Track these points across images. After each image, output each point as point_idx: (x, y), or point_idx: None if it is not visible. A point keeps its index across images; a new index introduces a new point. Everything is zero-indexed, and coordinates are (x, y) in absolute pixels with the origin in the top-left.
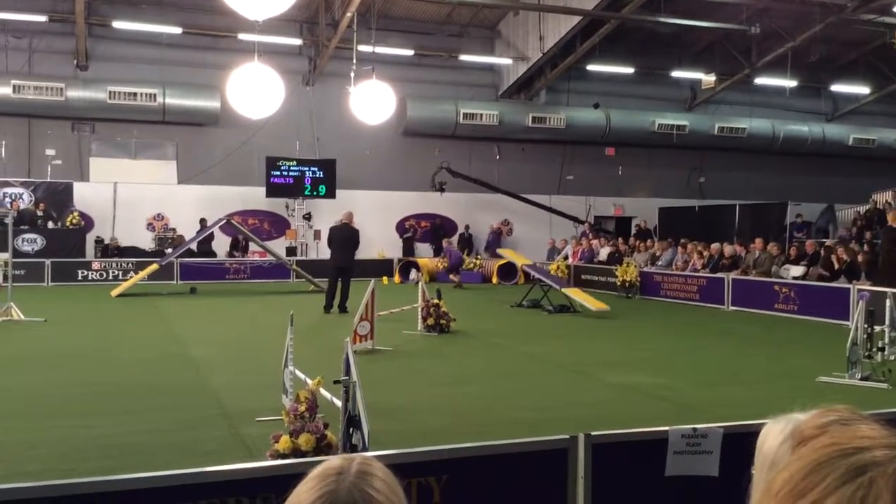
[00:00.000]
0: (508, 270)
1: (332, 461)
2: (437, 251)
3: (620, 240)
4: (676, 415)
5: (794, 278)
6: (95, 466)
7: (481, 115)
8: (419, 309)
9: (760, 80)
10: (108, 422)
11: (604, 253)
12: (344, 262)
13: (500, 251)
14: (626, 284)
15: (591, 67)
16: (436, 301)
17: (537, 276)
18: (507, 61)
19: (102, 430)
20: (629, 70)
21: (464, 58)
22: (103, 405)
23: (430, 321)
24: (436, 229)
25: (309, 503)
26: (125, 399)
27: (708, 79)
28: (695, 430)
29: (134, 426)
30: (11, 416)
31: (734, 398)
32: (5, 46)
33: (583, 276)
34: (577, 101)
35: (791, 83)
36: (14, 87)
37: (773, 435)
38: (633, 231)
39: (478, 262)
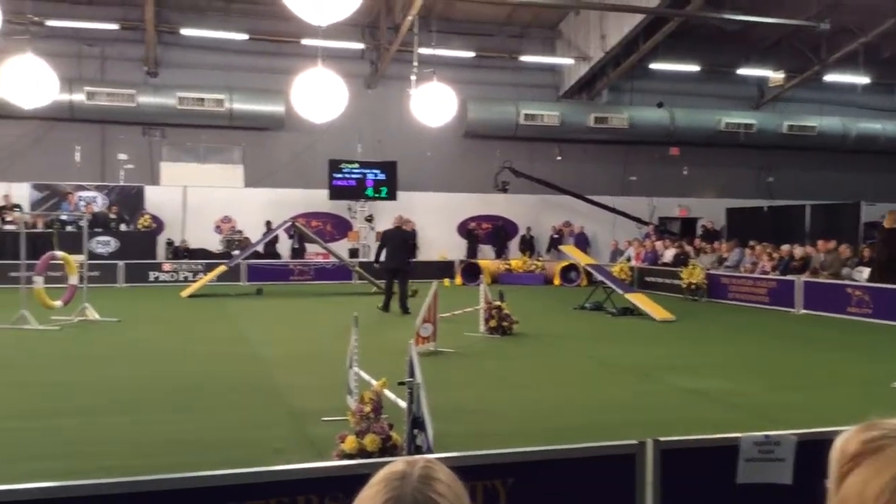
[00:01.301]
0: (571, 272)
1: (396, 465)
2: (500, 253)
3: (685, 241)
4: (746, 421)
5: (868, 281)
6: (168, 462)
7: (542, 115)
8: (481, 311)
9: (831, 77)
10: (179, 418)
11: (668, 255)
12: (398, 263)
13: (562, 248)
14: (693, 287)
15: (654, 66)
16: (498, 303)
17: (600, 277)
18: (568, 61)
19: (174, 426)
20: (694, 68)
21: (524, 59)
22: (175, 402)
23: (493, 323)
24: (497, 231)
25: (383, 502)
26: (196, 397)
27: (776, 76)
28: (767, 437)
29: (203, 424)
30: (87, 412)
31: (806, 404)
32: (79, 54)
33: (646, 279)
34: (641, 100)
35: (863, 80)
36: (88, 93)
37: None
38: (699, 232)
39: (539, 263)
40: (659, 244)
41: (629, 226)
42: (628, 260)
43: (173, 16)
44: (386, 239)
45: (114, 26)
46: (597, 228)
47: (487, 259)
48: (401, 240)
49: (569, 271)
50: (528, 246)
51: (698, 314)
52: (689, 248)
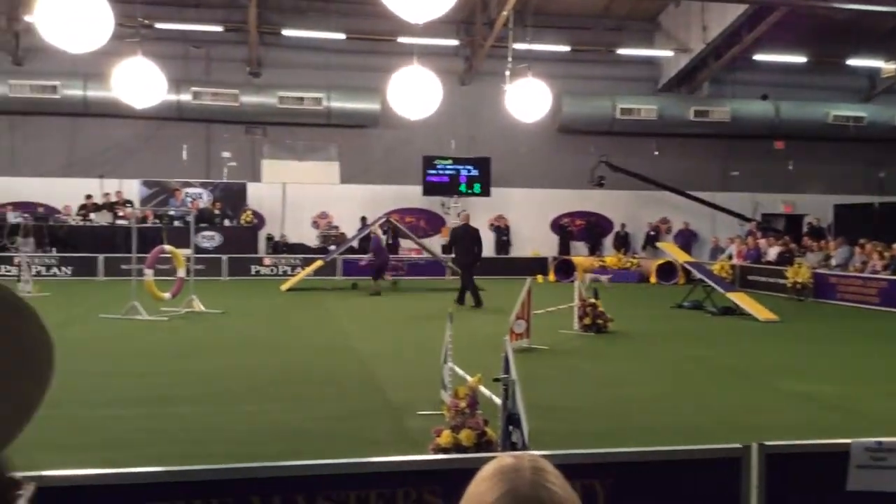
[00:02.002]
0: (668, 270)
1: (503, 459)
2: (594, 250)
3: (790, 239)
4: (855, 426)
5: None
6: (273, 450)
7: (639, 109)
8: (575, 308)
9: None
10: (282, 408)
11: (772, 253)
12: (469, 259)
13: (659, 245)
14: (798, 286)
15: (758, 57)
16: (592, 300)
17: (700, 275)
18: (667, 53)
19: (277, 415)
20: (800, 59)
21: (622, 52)
22: (277, 392)
23: (587, 321)
24: (591, 227)
25: (494, 499)
26: (297, 387)
27: (889, 67)
28: (880, 443)
29: (305, 413)
30: (197, 401)
31: None
32: (185, 56)
33: (748, 277)
34: (743, 92)
35: None
36: (194, 93)
37: None
38: (805, 229)
39: (634, 261)
40: (762, 241)
41: (730, 222)
42: (729, 258)
43: (275, 17)
44: (457, 237)
45: (218, 28)
46: (696, 225)
47: (581, 256)
48: (471, 237)
49: (666, 269)
50: (622, 242)
51: (804, 315)
52: (794, 246)
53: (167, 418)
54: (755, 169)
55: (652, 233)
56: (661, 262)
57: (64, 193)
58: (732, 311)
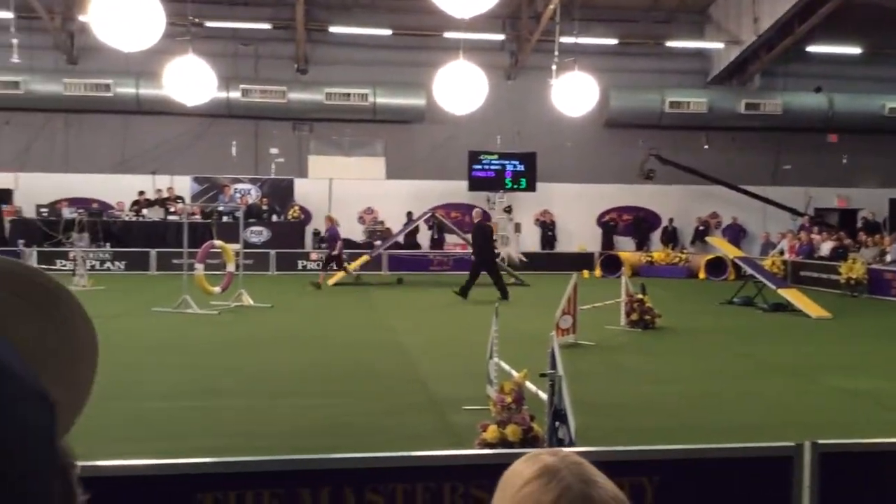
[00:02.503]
0: (717, 265)
1: (542, 458)
2: (641, 245)
3: (844, 234)
4: None
5: None
6: (318, 444)
7: (689, 102)
8: (622, 304)
9: None
10: (327, 402)
11: (825, 248)
12: (481, 256)
13: (709, 240)
14: (852, 282)
15: (811, 49)
16: (640, 296)
17: (750, 271)
18: (717, 45)
19: (323, 410)
20: (855, 50)
21: (671, 44)
22: (323, 386)
23: (634, 316)
24: (638, 222)
25: (550, 502)
26: (343, 382)
27: None
28: None
29: (351, 408)
30: (245, 394)
31: None
32: (235, 54)
33: (801, 273)
34: (796, 84)
35: None
36: (243, 91)
37: None
38: (860, 224)
39: (683, 256)
40: (815, 236)
41: (782, 217)
42: (781, 253)
43: (322, 14)
44: (473, 235)
45: (267, 26)
46: (746, 220)
47: (626, 251)
48: (482, 235)
49: (715, 264)
50: (670, 238)
51: (858, 311)
52: (848, 241)
53: (216, 411)
54: (808, 162)
55: (701, 227)
56: (710, 257)
57: (117, 189)
58: (784, 307)
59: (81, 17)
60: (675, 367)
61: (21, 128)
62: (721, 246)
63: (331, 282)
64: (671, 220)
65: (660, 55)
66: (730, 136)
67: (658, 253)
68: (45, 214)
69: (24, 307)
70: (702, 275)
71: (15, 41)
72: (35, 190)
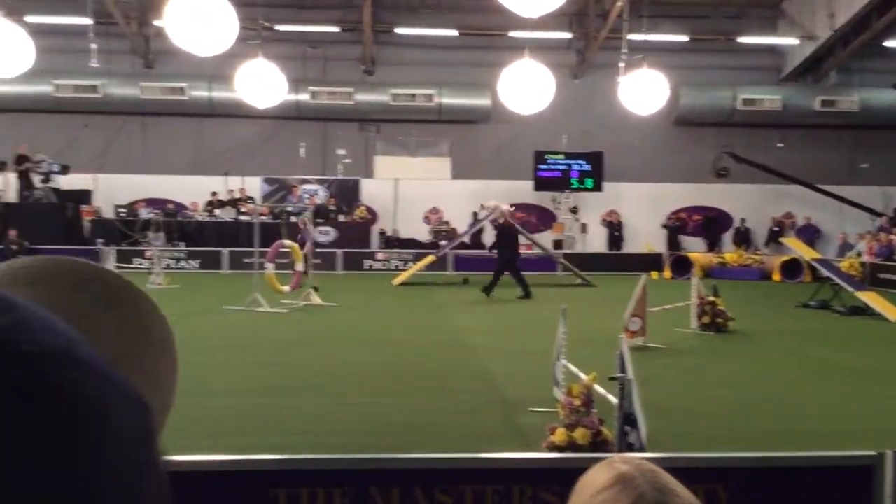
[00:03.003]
0: (792, 267)
1: (616, 465)
2: (712, 246)
3: None
4: None
5: None
6: (385, 443)
7: (762, 100)
8: (693, 306)
9: None
10: (394, 401)
11: None
12: (504, 254)
13: (784, 241)
14: None
15: (888, 44)
16: (712, 298)
17: (827, 273)
18: (791, 41)
19: (391, 408)
20: None
21: (743, 40)
22: (390, 386)
23: (706, 319)
24: (709, 222)
25: None
26: (409, 381)
27: None
28: None
29: (417, 407)
30: (314, 392)
31: None
32: (304, 56)
33: (880, 276)
34: (874, 81)
35: None
36: (312, 93)
37: None
38: None
39: (757, 257)
40: (895, 238)
41: (859, 217)
42: (858, 255)
43: (388, 15)
44: (504, 233)
45: (334, 28)
46: (822, 220)
47: (695, 252)
48: (510, 235)
49: (791, 266)
50: (743, 238)
51: None
52: None
53: (285, 408)
54: (887, 161)
55: (775, 228)
56: (785, 258)
57: (191, 190)
58: (862, 311)
59: (157, 23)
60: (749, 371)
61: (99, 130)
62: (797, 247)
63: (396, 282)
64: (743, 221)
65: (731, 51)
66: (805, 133)
67: (730, 254)
68: (123, 214)
69: (101, 310)
70: (776, 277)
71: (94, 46)
72: (113, 191)
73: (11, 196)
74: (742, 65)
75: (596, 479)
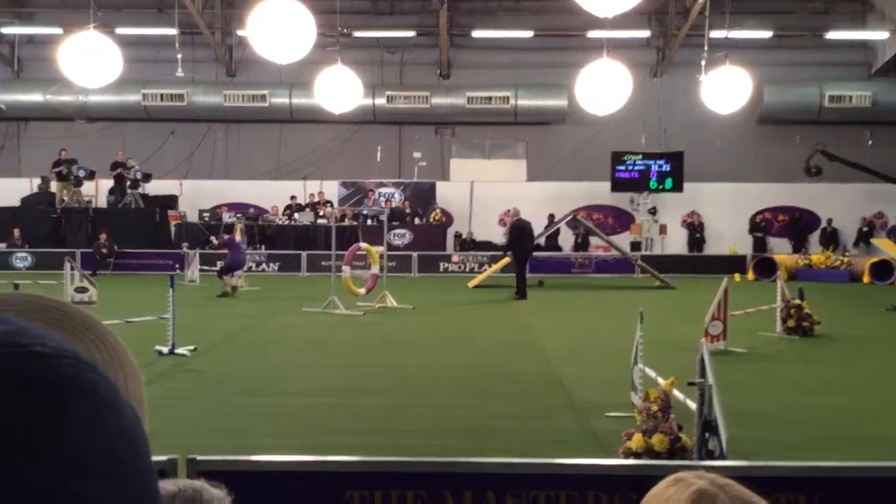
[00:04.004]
0: (883, 268)
1: (692, 481)
2: (798, 247)
3: None
4: None
5: None
6: (458, 446)
7: (850, 96)
8: (777, 309)
9: None
10: (468, 404)
11: None
12: (518, 254)
13: (874, 242)
14: None
15: None
16: (797, 301)
17: None
18: (882, 35)
19: (463, 411)
20: None
21: (830, 35)
22: (463, 388)
23: (791, 323)
24: (794, 223)
25: None
26: (483, 384)
27: None
28: None
29: (491, 410)
30: (387, 393)
31: None
32: (380, 62)
33: None
34: None
35: None
36: (388, 97)
37: None
38: None
39: (845, 259)
40: None
41: None
42: None
43: (465, 19)
44: (517, 231)
45: (411, 33)
46: None
47: (781, 253)
48: (523, 233)
49: (881, 268)
50: (830, 239)
51: None
52: None
53: (359, 409)
54: None
55: (865, 228)
56: (875, 260)
57: (272, 195)
58: None
59: (240, 32)
60: (836, 376)
61: (184, 138)
62: (887, 248)
63: (471, 284)
64: (830, 221)
65: (818, 47)
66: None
67: (817, 255)
68: (207, 219)
69: (63, 334)
70: (866, 279)
71: (179, 56)
72: (197, 196)
73: (101, 202)
74: (829, 60)
75: (671, 496)
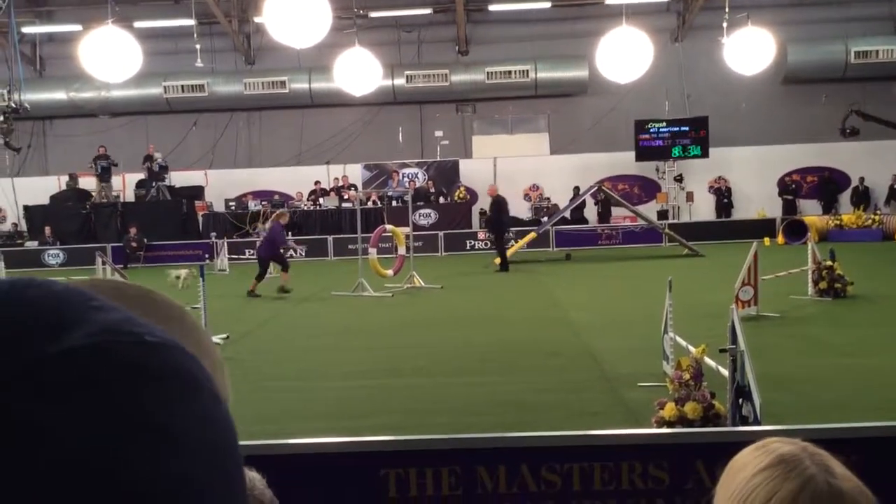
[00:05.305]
0: None
1: (778, 446)
2: (828, 208)
3: None
4: None
5: None
6: (492, 421)
7: (877, 51)
8: (809, 272)
9: None
10: (499, 380)
11: None
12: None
13: None
14: None
15: None
16: (829, 263)
17: None
18: None
19: (495, 387)
20: None
21: None
22: (495, 364)
23: (823, 285)
24: (825, 183)
25: (791, 493)
26: (514, 359)
27: None
28: None
29: (523, 385)
30: (421, 373)
31: None
32: (398, 41)
33: None
34: None
35: None
36: (407, 77)
37: None
38: None
39: (876, 217)
40: None
41: None
42: None
43: None
44: (495, 206)
45: (427, 11)
46: None
47: (812, 215)
48: (500, 208)
49: None
50: (861, 198)
51: None
52: None
53: (394, 389)
54: None
55: None
56: None
57: (296, 181)
58: None
59: (256, 19)
60: (871, 338)
61: (207, 128)
62: None
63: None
64: (862, 180)
65: (841, 2)
66: None
67: (848, 216)
68: (233, 208)
69: (156, 323)
70: None
71: (198, 46)
72: (223, 185)
73: (129, 196)
74: (853, 16)
75: (752, 460)
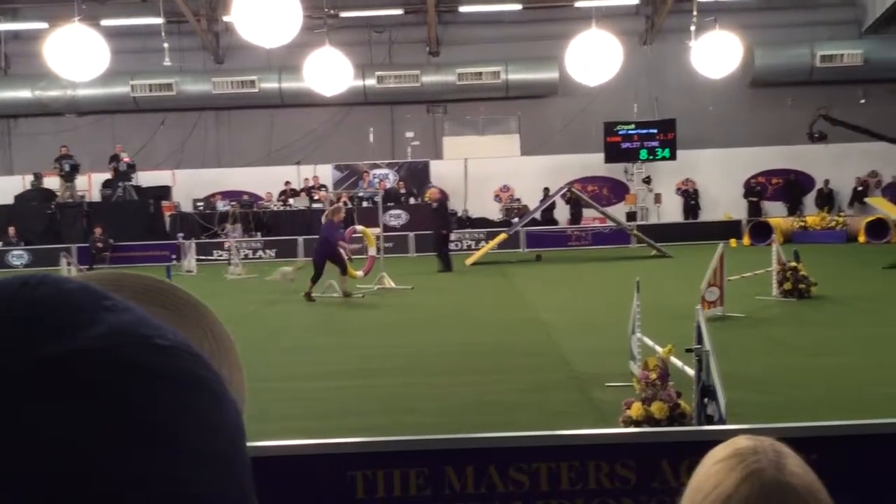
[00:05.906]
0: (878, 227)
1: (739, 440)
2: (793, 210)
3: None
4: None
5: None
6: (464, 421)
7: (842, 55)
8: (773, 273)
9: None
10: (471, 380)
11: None
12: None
13: (868, 201)
14: None
15: None
16: (793, 264)
17: None
18: None
19: (467, 388)
20: None
21: None
22: (467, 365)
23: (787, 286)
24: (790, 185)
25: (734, 483)
26: (486, 360)
27: None
28: None
29: (494, 386)
30: (390, 374)
31: None
32: (369, 41)
33: None
34: None
35: None
36: (378, 77)
37: None
38: None
39: (840, 219)
40: None
41: None
42: None
43: None
44: (438, 209)
45: (398, 11)
46: None
47: (777, 216)
48: (440, 212)
49: (876, 227)
50: (826, 200)
51: None
52: None
53: (364, 390)
54: None
55: (859, 188)
56: (870, 219)
57: (265, 181)
58: None
59: (225, 18)
60: (834, 338)
61: (175, 128)
62: (882, 206)
63: (469, 261)
64: (826, 182)
65: (808, 7)
66: (890, 88)
67: (812, 217)
68: (201, 208)
69: (175, 319)
70: (861, 238)
71: (166, 45)
72: (191, 185)
73: (95, 196)
74: (819, 20)
75: (717, 451)
